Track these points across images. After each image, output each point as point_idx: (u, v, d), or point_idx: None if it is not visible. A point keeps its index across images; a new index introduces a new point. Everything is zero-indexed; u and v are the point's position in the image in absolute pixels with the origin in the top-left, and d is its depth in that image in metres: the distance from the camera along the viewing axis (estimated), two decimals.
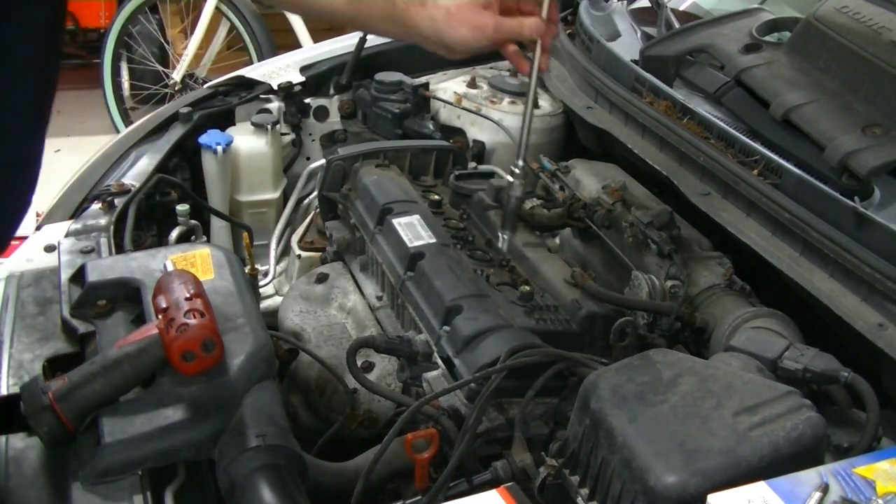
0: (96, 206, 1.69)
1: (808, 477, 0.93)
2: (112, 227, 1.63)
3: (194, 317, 1.09)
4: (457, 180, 1.82)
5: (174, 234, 1.79)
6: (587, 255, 1.67)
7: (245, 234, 1.87)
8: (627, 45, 2.09)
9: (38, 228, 1.65)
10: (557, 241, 1.75)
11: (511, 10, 1.41)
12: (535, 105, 2.16)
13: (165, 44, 4.81)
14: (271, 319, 1.76)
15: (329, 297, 1.74)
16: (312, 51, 2.45)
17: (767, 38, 1.84)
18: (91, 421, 1.08)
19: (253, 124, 2.18)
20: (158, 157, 1.93)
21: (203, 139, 2.07)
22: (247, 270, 1.63)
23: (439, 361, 1.40)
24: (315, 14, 1.58)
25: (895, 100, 1.53)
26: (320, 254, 1.99)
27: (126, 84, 4.75)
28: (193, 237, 1.82)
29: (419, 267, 1.52)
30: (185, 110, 2.11)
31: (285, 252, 2.17)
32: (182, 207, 1.79)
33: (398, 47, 2.36)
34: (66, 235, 1.57)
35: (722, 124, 1.65)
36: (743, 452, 0.95)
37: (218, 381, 1.11)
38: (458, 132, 2.23)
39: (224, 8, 4.44)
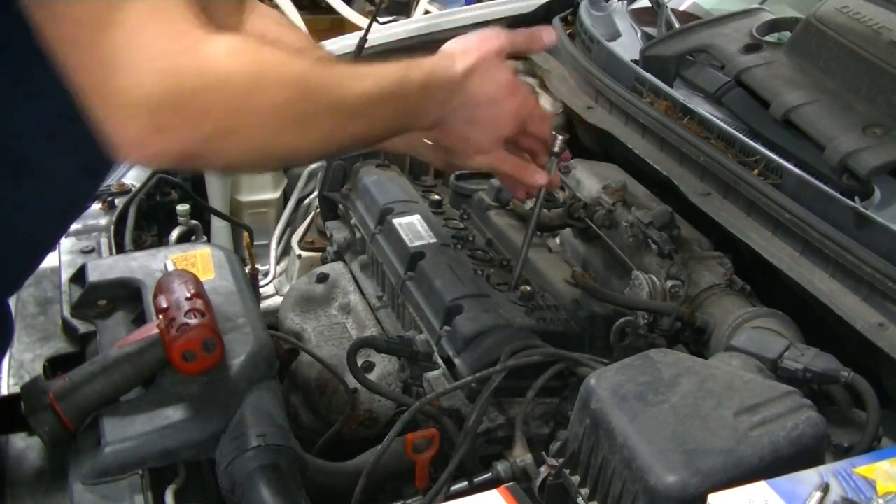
0: (96, 205, 1.69)
1: (809, 477, 0.93)
2: (112, 227, 1.63)
3: (195, 317, 1.09)
4: (457, 180, 1.82)
5: (174, 234, 1.79)
6: (587, 255, 1.67)
7: (245, 234, 1.88)
8: (627, 45, 2.09)
9: None
10: (558, 241, 1.75)
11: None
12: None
13: None
14: (272, 319, 1.76)
15: (329, 297, 1.74)
16: None
17: (767, 38, 1.84)
18: (91, 421, 1.08)
19: None
20: None
21: None
22: (247, 270, 1.63)
23: (440, 361, 1.40)
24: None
25: (895, 100, 1.53)
26: (320, 254, 1.99)
27: None
28: (194, 237, 1.82)
29: (419, 267, 1.52)
30: None
31: (285, 252, 2.17)
32: (182, 207, 1.79)
33: (398, 47, 2.35)
34: (67, 235, 1.57)
35: (722, 124, 1.65)
36: (743, 452, 0.96)
37: (218, 381, 1.12)
38: None
39: None
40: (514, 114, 1.25)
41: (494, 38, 1.21)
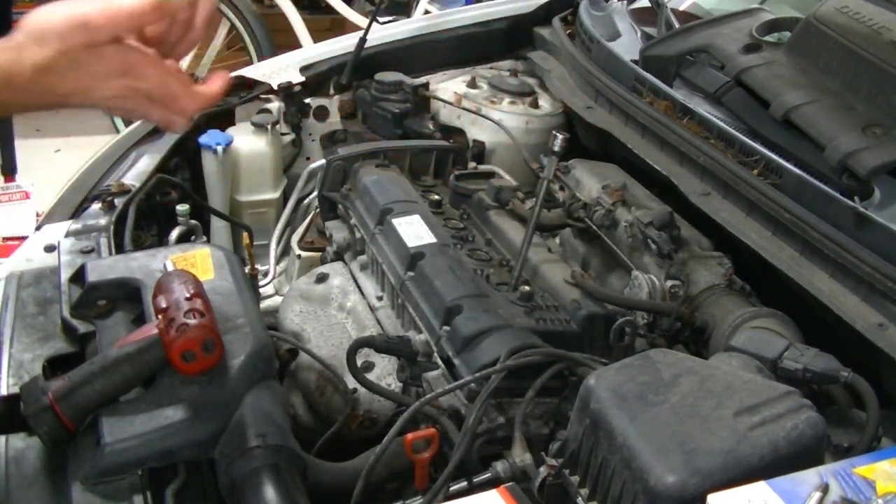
0: (96, 206, 1.68)
1: (808, 477, 0.93)
2: (112, 227, 1.62)
3: (194, 317, 1.09)
4: (457, 180, 1.82)
5: (174, 234, 1.79)
6: (587, 255, 1.67)
7: (245, 234, 1.88)
8: (627, 45, 2.09)
9: (38, 228, 1.65)
10: (558, 241, 1.75)
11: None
12: (535, 105, 2.18)
13: None
14: (271, 319, 1.76)
15: (329, 297, 1.74)
16: (312, 51, 2.44)
17: (767, 38, 1.84)
18: (91, 421, 1.08)
19: (253, 124, 2.18)
20: (158, 157, 1.93)
21: (203, 139, 2.07)
22: (247, 270, 1.63)
23: (439, 361, 1.40)
24: None
25: (895, 100, 1.53)
26: (320, 254, 1.99)
27: None
28: (193, 237, 1.82)
29: (419, 267, 1.52)
30: None
31: (285, 252, 2.17)
32: (182, 207, 1.79)
33: (398, 47, 2.36)
34: (66, 235, 1.57)
35: (722, 124, 1.65)
36: (743, 452, 0.96)
37: (218, 381, 1.11)
38: (459, 132, 2.23)
39: (224, 8, 4.44)
40: (119, 96, 0.98)
41: (89, 23, 0.91)
